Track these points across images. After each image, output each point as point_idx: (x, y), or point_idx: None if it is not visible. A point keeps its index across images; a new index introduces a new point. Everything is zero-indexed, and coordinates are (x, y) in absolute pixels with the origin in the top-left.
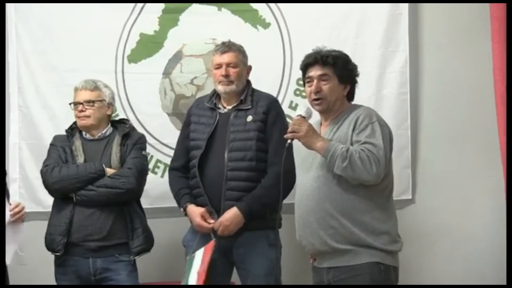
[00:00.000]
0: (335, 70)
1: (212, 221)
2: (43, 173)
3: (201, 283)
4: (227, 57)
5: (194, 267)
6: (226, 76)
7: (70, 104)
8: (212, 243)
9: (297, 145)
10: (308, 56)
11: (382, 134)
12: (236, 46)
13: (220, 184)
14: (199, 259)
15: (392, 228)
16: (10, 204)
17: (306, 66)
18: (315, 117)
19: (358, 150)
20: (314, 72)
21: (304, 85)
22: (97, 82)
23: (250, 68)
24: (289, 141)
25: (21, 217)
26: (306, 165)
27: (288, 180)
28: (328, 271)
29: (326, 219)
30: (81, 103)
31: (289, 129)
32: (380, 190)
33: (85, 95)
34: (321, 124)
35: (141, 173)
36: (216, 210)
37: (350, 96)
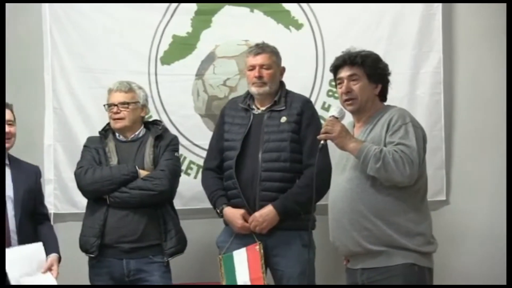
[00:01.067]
0: (364, 70)
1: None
2: (77, 175)
3: None
4: (260, 59)
5: (240, 271)
6: (259, 77)
7: (104, 105)
8: (257, 246)
9: (331, 146)
10: (337, 58)
11: (416, 135)
12: (269, 48)
13: (254, 185)
14: (243, 263)
15: (427, 230)
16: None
17: (335, 68)
18: (348, 118)
19: (392, 151)
20: (344, 73)
21: (336, 87)
22: (131, 84)
23: (283, 69)
24: (322, 142)
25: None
26: (340, 166)
27: (324, 179)
28: (362, 272)
29: (360, 221)
30: (116, 105)
31: (322, 130)
32: (414, 192)
33: (119, 97)
34: (354, 126)
35: (174, 174)
36: (241, 207)
37: (382, 96)
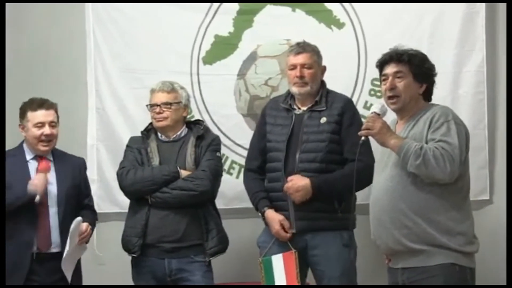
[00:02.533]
0: (410, 68)
1: (291, 230)
2: (118, 176)
3: None
4: (301, 58)
5: (278, 277)
6: (301, 77)
7: (147, 105)
8: (292, 255)
9: (373, 144)
10: (384, 54)
11: (458, 133)
12: (310, 47)
13: (283, 184)
14: (281, 269)
15: (468, 229)
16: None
17: (382, 64)
18: (391, 115)
19: (432, 148)
20: (389, 69)
21: (380, 83)
22: (173, 84)
23: (324, 68)
24: (363, 138)
25: (86, 239)
26: (381, 164)
27: (367, 174)
28: (402, 271)
29: (401, 219)
30: (158, 105)
31: (363, 126)
32: (456, 190)
33: (162, 97)
34: (397, 123)
35: (215, 175)
36: (286, 210)
37: (427, 95)
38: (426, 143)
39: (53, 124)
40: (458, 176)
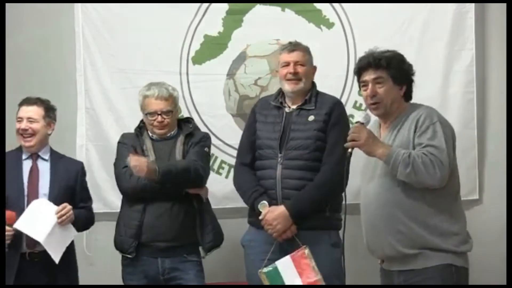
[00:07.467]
0: (389, 72)
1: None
2: (121, 175)
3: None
4: (295, 56)
5: (289, 281)
6: (295, 74)
7: (146, 114)
8: (302, 251)
9: (358, 151)
10: (360, 60)
11: (445, 135)
12: (303, 46)
13: (275, 182)
14: (292, 271)
15: (462, 229)
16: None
17: (359, 70)
18: (373, 117)
19: (420, 155)
20: (368, 76)
21: (359, 89)
22: (168, 88)
23: (315, 69)
24: (349, 150)
25: (67, 219)
26: (368, 173)
27: (340, 183)
28: (398, 274)
29: (394, 224)
30: (159, 114)
31: (349, 138)
32: (447, 192)
33: (161, 105)
34: (380, 126)
35: (205, 162)
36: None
37: (408, 95)
38: (413, 147)
39: (31, 120)
40: (448, 178)
